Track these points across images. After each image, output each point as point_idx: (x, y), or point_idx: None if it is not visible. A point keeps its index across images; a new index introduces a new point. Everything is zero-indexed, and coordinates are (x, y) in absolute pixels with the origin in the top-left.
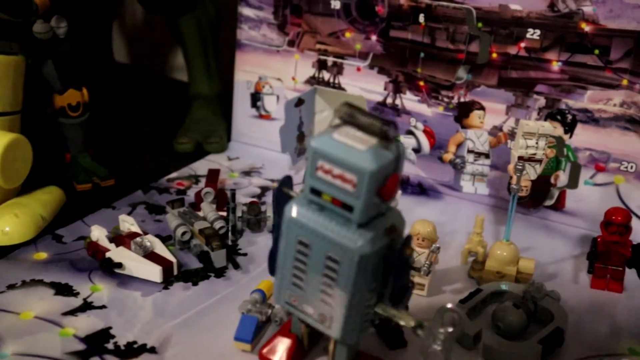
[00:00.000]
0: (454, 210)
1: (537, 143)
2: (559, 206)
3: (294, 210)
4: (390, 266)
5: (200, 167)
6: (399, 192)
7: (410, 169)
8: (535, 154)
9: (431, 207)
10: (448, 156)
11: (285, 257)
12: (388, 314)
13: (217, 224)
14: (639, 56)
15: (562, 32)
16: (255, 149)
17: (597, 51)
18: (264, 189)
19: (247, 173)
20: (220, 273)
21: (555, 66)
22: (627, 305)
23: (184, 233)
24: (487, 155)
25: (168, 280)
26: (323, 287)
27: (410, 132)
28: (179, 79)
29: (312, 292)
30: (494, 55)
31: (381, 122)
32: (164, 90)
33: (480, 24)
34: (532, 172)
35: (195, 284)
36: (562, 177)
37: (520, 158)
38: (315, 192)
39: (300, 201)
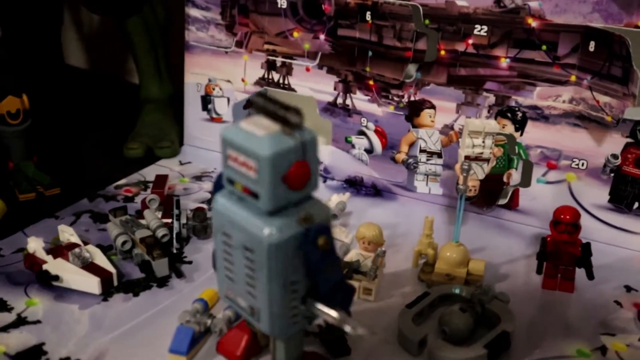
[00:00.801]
0: (408, 211)
1: (483, 142)
2: (512, 205)
3: (217, 202)
4: (307, 257)
5: (151, 173)
6: (348, 194)
7: (364, 170)
8: (482, 153)
9: (385, 209)
10: (400, 156)
11: (217, 250)
12: (313, 310)
13: (160, 232)
14: (586, 51)
15: (509, 27)
16: (208, 152)
17: (544, 47)
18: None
19: (198, 178)
20: (162, 283)
21: (504, 63)
22: (578, 306)
23: (124, 242)
24: (439, 155)
25: (108, 291)
26: (247, 279)
27: (362, 133)
28: (135, 83)
29: (240, 283)
30: (442, 52)
31: (284, 109)
32: (118, 94)
33: (427, 21)
34: (480, 171)
35: (136, 294)
36: (515, 176)
37: (467, 157)
38: (230, 181)
39: (224, 193)
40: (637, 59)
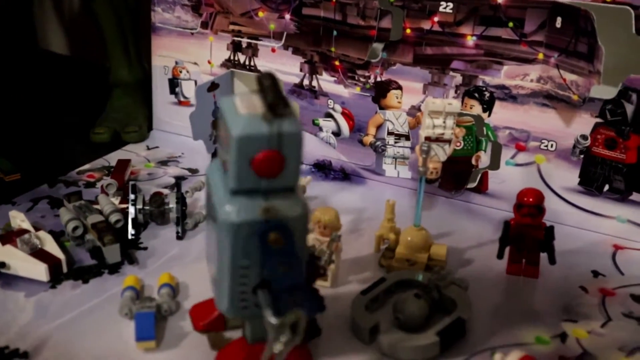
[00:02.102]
0: (377, 195)
1: (444, 122)
2: (481, 188)
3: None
4: (259, 248)
5: (116, 158)
6: (309, 177)
7: (332, 154)
8: (443, 134)
9: (353, 193)
10: (368, 139)
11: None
12: (259, 300)
13: (113, 217)
14: (553, 28)
15: (475, 4)
16: (176, 137)
17: (511, 24)
18: (180, 179)
19: (164, 163)
20: (114, 269)
21: (470, 41)
22: (542, 291)
23: (75, 228)
24: (407, 137)
25: (56, 278)
26: (214, 249)
27: (329, 115)
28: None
29: (211, 252)
30: (408, 31)
31: (276, 97)
32: (94, 79)
33: None
34: (442, 153)
35: (85, 281)
36: (484, 158)
37: (427, 138)
38: (215, 154)
39: (216, 160)
40: (603, 35)
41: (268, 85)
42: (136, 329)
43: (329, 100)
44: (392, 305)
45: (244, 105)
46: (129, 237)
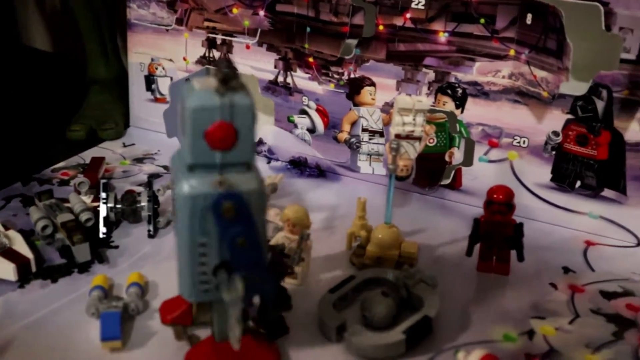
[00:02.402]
0: (352, 191)
1: (414, 119)
2: (455, 185)
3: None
4: (215, 222)
5: (92, 155)
6: (281, 175)
7: (307, 150)
8: (413, 131)
9: (328, 189)
10: (343, 135)
11: None
12: (219, 279)
13: (84, 216)
14: (524, 24)
15: (446, 1)
16: (153, 134)
17: (482, 20)
18: (155, 176)
19: (139, 160)
20: (84, 268)
21: (442, 37)
22: (512, 288)
23: (44, 227)
24: (381, 134)
25: (25, 278)
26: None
27: (303, 112)
28: None
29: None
30: (381, 27)
31: (230, 72)
32: (75, 76)
33: None
34: (412, 150)
35: (54, 281)
36: (457, 155)
37: (397, 136)
38: None
39: (178, 153)
40: (571, 31)
41: (222, 64)
42: (101, 328)
43: (304, 97)
44: (359, 303)
45: (198, 84)
46: (100, 235)
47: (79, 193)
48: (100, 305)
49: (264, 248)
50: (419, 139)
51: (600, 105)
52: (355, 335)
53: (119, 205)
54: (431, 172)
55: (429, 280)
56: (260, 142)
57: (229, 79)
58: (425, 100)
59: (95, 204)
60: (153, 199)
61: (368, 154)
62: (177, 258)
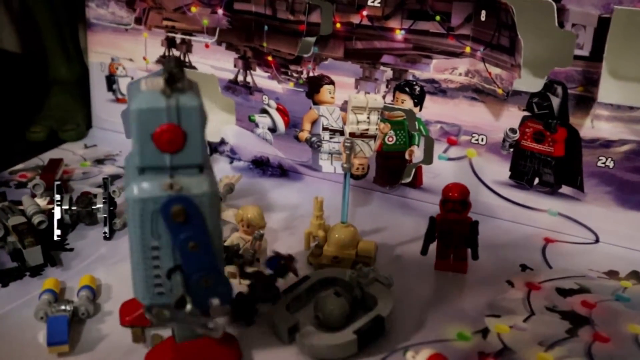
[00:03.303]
0: (314, 191)
1: (368, 118)
2: (416, 183)
3: (125, 160)
4: (166, 223)
5: (52, 157)
6: (239, 175)
7: (269, 150)
8: (367, 130)
9: (290, 189)
10: (304, 134)
11: None
12: (173, 283)
13: (37, 219)
14: (478, 21)
15: None
16: (115, 134)
17: (438, 17)
18: (115, 178)
19: (100, 161)
20: (36, 272)
21: (399, 35)
22: (469, 287)
23: None
24: (342, 132)
25: None
26: None
27: (264, 111)
28: None
29: None
30: (338, 25)
31: (177, 73)
32: (38, 76)
33: None
34: (367, 148)
35: (5, 285)
36: (417, 153)
37: (352, 134)
38: None
39: (131, 154)
40: (522, 28)
41: (170, 64)
42: (48, 333)
43: (264, 96)
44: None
45: (146, 84)
46: (55, 238)
47: (34, 196)
48: (49, 309)
49: (217, 251)
50: (373, 137)
51: (555, 102)
52: (307, 336)
53: (74, 207)
54: (392, 170)
55: (384, 279)
56: (223, 141)
57: (175, 79)
58: (379, 98)
59: (51, 206)
60: (109, 200)
61: (329, 153)
62: (131, 260)
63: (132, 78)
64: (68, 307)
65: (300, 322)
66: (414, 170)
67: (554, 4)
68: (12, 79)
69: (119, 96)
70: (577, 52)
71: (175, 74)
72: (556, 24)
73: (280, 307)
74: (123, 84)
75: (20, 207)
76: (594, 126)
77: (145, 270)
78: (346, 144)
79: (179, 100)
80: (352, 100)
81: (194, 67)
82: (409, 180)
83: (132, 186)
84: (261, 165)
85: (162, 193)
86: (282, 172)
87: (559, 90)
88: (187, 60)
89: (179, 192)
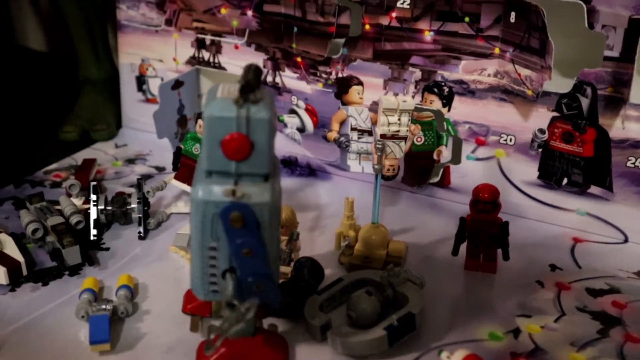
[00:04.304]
0: (342, 190)
1: (399, 119)
2: (444, 183)
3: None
4: (224, 227)
5: (84, 156)
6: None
7: (297, 150)
8: (398, 131)
9: (318, 188)
10: (332, 135)
11: None
12: (224, 282)
13: (74, 219)
14: (508, 23)
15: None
16: (145, 134)
17: (467, 19)
18: (146, 177)
19: (131, 161)
20: (74, 271)
21: (428, 36)
22: (500, 286)
23: (35, 230)
24: (370, 133)
25: (16, 281)
26: None
27: (293, 111)
28: None
29: None
30: (367, 27)
31: (253, 83)
32: (68, 76)
33: None
34: (398, 150)
35: (45, 284)
36: (445, 153)
37: (382, 136)
38: None
39: None
40: (554, 30)
41: (249, 74)
42: (90, 332)
43: (293, 97)
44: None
45: (222, 91)
46: (91, 238)
47: (70, 195)
48: (89, 308)
49: (272, 259)
50: (404, 138)
51: (585, 102)
52: (338, 333)
53: (109, 208)
54: (420, 170)
55: (415, 279)
56: None
57: (249, 90)
58: (410, 100)
59: (86, 206)
60: (143, 200)
61: (357, 153)
62: (190, 254)
63: (162, 79)
64: (108, 306)
65: (333, 322)
66: (442, 170)
67: (584, 5)
68: (43, 79)
69: (149, 96)
70: (607, 53)
71: (250, 84)
72: (586, 25)
73: (312, 307)
74: (153, 84)
75: (57, 207)
76: (625, 127)
77: (202, 268)
78: (377, 146)
79: (249, 110)
80: (383, 102)
81: (223, 68)
82: (437, 180)
83: (197, 187)
84: (290, 165)
85: (224, 198)
86: (311, 171)
87: (589, 91)
88: (216, 60)
89: (240, 199)
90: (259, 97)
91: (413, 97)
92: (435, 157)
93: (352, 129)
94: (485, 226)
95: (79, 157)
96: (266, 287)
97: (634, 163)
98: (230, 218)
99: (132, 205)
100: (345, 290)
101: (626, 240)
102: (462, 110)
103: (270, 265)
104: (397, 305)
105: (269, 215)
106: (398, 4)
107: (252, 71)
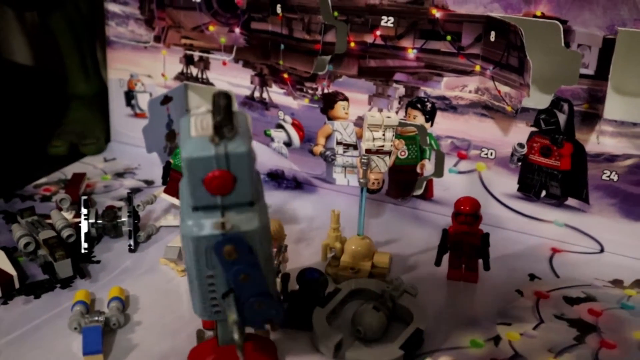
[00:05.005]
0: (328, 203)
1: (383, 135)
2: (427, 195)
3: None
4: (218, 259)
5: (73, 170)
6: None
7: (284, 163)
8: (383, 146)
9: (304, 201)
10: (318, 149)
11: None
12: (225, 306)
13: (65, 232)
14: (488, 42)
15: (414, 18)
16: (134, 148)
17: (449, 37)
18: (135, 191)
19: (120, 175)
20: (66, 284)
21: (411, 54)
22: (480, 296)
23: (27, 244)
24: (355, 147)
25: (9, 294)
26: None
27: (280, 126)
28: None
29: None
30: (352, 44)
31: (225, 120)
32: (55, 90)
33: (336, 13)
34: (382, 164)
35: (37, 297)
36: (428, 166)
37: (367, 151)
38: None
39: None
40: (530, 48)
41: (219, 105)
42: (83, 343)
43: (280, 112)
44: (347, 315)
45: (196, 127)
46: (82, 251)
47: (61, 209)
48: (82, 320)
49: (268, 277)
50: (389, 153)
51: (562, 118)
52: (355, 353)
53: (100, 221)
54: (404, 183)
55: (410, 289)
56: None
57: (222, 127)
58: (394, 116)
59: (77, 219)
60: (133, 214)
61: (343, 166)
62: (188, 281)
63: (151, 94)
64: (100, 318)
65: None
66: (425, 183)
67: (560, 25)
68: (31, 93)
69: (138, 111)
70: (583, 71)
71: (222, 121)
72: (563, 44)
73: (321, 322)
74: (141, 99)
75: (48, 221)
76: (600, 142)
77: (202, 293)
78: (362, 160)
79: (227, 147)
80: (368, 118)
81: (211, 84)
82: (420, 192)
83: (187, 223)
84: (276, 178)
85: (214, 232)
86: (297, 184)
87: (566, 107)
88: (204, 76)
89: (230, 230)
90: (234, 131)
91: (397, 112)
92: (418, 170)
93: (338, 143)
94: (466, 237)
95: (68, 171)
96: (267, 305)
97: (608, 176)
98: (223, 252)
99: (123, 219)
100: (344, 301)
101: (602, 250)
102: (444, 125)
103: (268, 284)
104: (397, 317)
105: (260, 239)
106: (382, 23)
107: (222, 109)
